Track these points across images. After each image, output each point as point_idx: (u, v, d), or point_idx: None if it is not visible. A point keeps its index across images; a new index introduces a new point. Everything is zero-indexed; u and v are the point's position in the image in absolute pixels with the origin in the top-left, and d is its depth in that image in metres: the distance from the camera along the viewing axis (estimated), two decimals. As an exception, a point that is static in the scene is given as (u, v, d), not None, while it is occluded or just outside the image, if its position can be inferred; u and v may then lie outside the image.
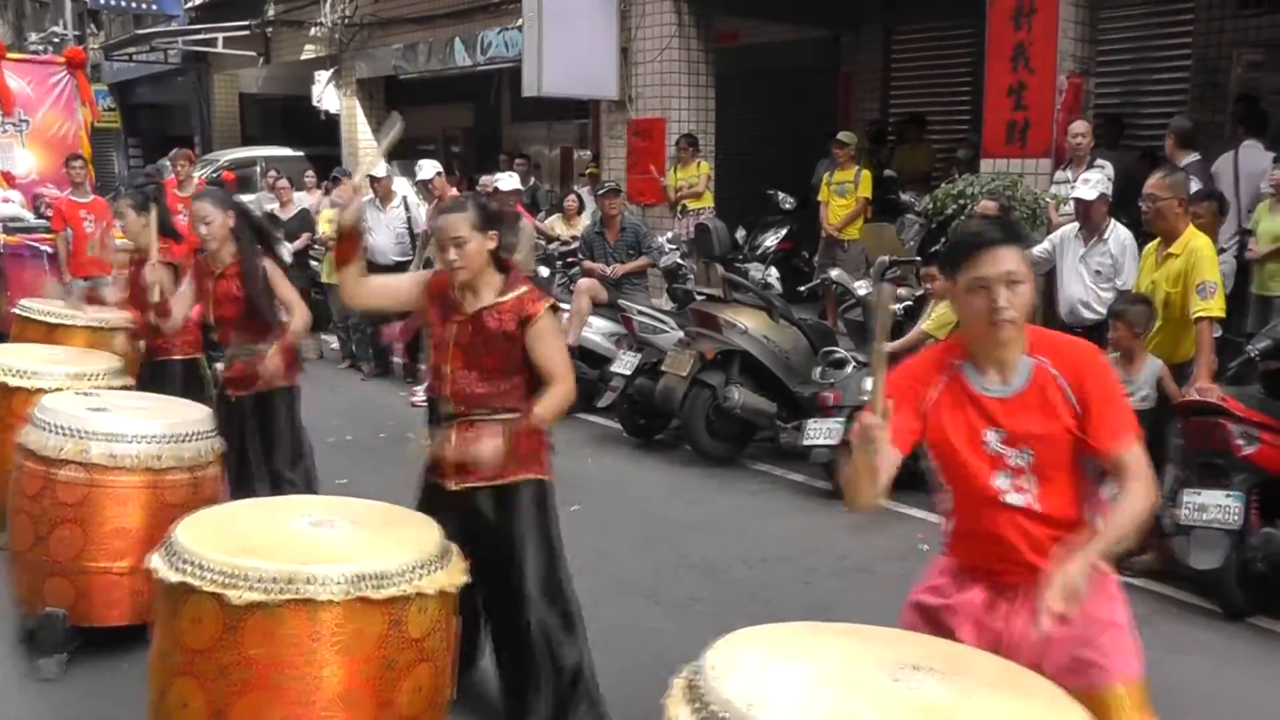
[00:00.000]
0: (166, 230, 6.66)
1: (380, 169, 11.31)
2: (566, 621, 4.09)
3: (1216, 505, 5.50)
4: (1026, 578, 2.80)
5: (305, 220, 12.44)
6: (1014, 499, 2.88)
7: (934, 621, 3.00)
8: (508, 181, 10.57)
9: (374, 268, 11.07)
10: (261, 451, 5.60)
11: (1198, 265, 6.07)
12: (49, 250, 11.55)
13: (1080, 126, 8.85)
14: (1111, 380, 2.96)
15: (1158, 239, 6.39)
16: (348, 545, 3.40)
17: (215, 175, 15.75)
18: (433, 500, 4.09)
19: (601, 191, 10.73)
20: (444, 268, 4.02)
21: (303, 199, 13.15)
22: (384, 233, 11.18)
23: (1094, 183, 7.32)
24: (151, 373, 6.46)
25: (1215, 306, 6.01)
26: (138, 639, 4.38)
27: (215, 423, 5.13)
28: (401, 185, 11.77)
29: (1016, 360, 2.91)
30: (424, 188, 11.60)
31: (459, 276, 4.00)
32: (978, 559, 2.99)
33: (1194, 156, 8.53)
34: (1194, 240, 6.20)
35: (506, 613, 4.09)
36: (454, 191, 8.40)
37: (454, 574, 3.46)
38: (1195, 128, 9.01)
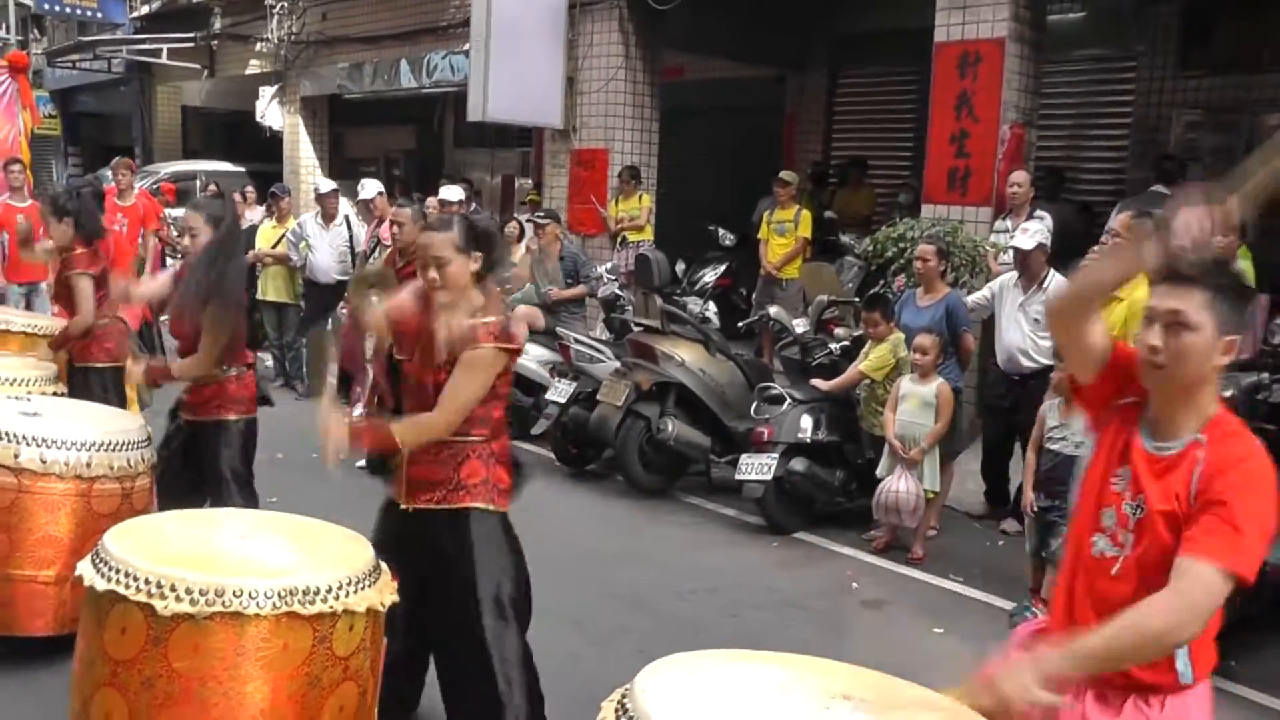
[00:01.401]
0: (89, 233, 6.54)
1: (325, 185, 11.29)
2: (522, 654, 4.02)
3: None
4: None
5: (249, 237, 12.34)
6: (1102, 545, 2.65)
7: None
8: (452, 192, 10.56)
9: (314, 286, 11.09)
10: (207, 481, 5.31)
11: (1138, 315, 6.17)
12: (-16, 255, 11.41)
13: (1020, 176, 9.00)
14: (1246, 493, 2.45)
15: None
16: (278, 560, 3.38)
17: (155, 187, 15.57)
18: (387, 521, 4.06)
19: (538, 218, 10.76)
20: (426, 286, 3.92)
21: (249, 216, 13.04)
22: (326, 251, 11.19)
23: (1033, 232, 7.46)
24: (75, 379, 6.39)
25: None
26: (60, 649, 4.32)
27: (148, 433, 5.08)
28: (343, 205, 11.72)
29: (1184, 427, 2.59)
30: (365, 207, 11.57)
31: (439, 298, 3.90)
32: (1057, 602, 2.79)
33: None
34: (1139, 289, 6.30)
35: (457, 645, 4.02)
36: (396, 210, 8.38)
37: (383, 591, 3.45)
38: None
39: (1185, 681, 2.60)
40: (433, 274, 3.86)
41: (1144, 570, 2.56)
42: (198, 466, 5.34)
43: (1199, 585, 2.40)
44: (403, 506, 3.99)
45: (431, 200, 11.31)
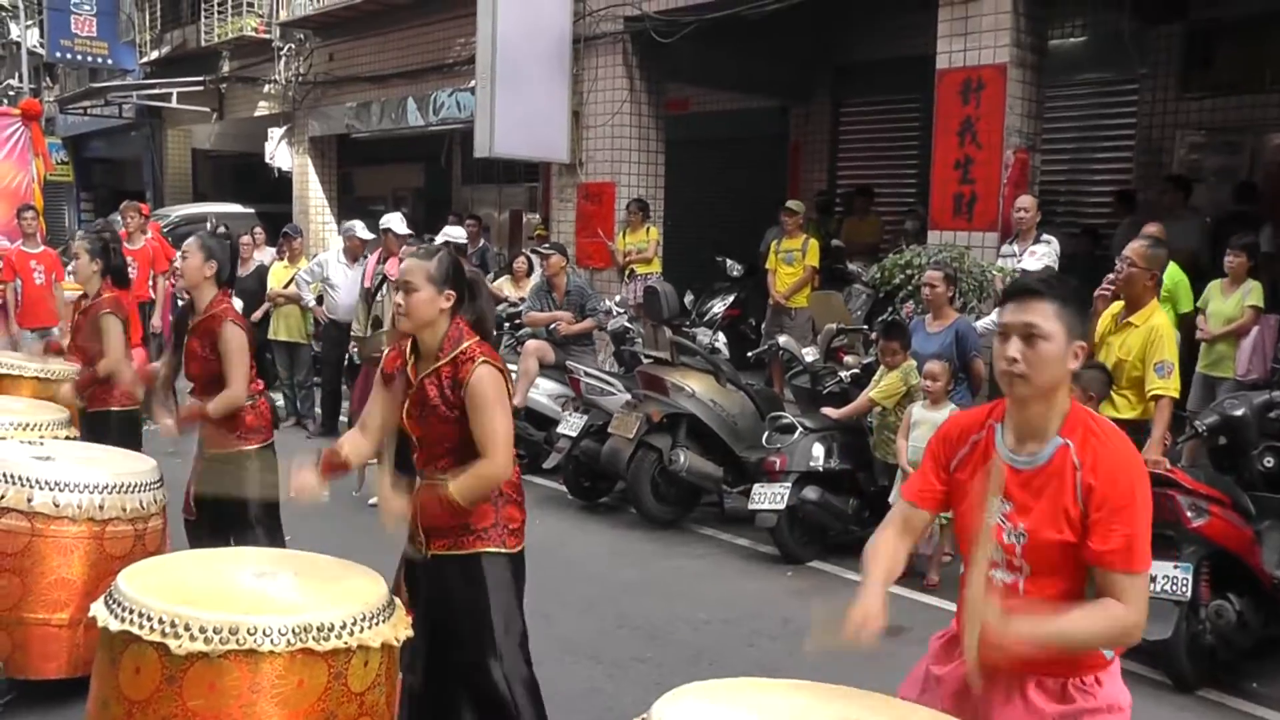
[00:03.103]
0: (117, 279, 6.65)
1: (364, 233, 11.13)
2: (532, 696, 3.99)
3: (1165, 576, 5.50)
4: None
5: (261, 277, 12.41)
6: (1000, 574, 2.79)
7: (928, 689, 2.95)
8: (455, 233, 10.49)
9: (334, 325, 11.04)
10: (231, 509, 5.31)
11: (1157, 344, 6.18)
12: (-2, 301, 11.51)
13: (1026, 201, 9.03)
14: (1135, 491, 2.66)
15: (1121, 302, 6.47)
16: (292, 597, 3.39)
17: (166, 232, 15.65)
18: (410, 566, 4.03)
19: (543, 250, 10.75)
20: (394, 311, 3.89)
21: (260, 256, 13.09)
22: (349, 290, 10.97)
23: (1040, 255, 7.50)
24: (88, 424, 6.42)
25: (1172, 386, 6.16)
26: (74, 692, 4.32)
27: (160, 474, 5.10)
28: (335, 243, 11.61)
29: (1045, 431, 2.75)
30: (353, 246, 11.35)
31: (400, 324, 3.87)
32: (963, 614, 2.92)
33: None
34: (1155, 317, 6.31)
35: (476, 681, 3.98)
36: (404, 251, 8.39)
37: (397, 627, 3.45)
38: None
39: (1108, 658, 2.81)
40: (399, 299, 3.82)
41: (1048, 582, 2.74)
42: (216, 504, 5.34)
43: (1140, 594, 2.64)
44: (423, 554, 3.95)
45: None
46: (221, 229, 14.60)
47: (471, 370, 3.76)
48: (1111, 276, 6.57)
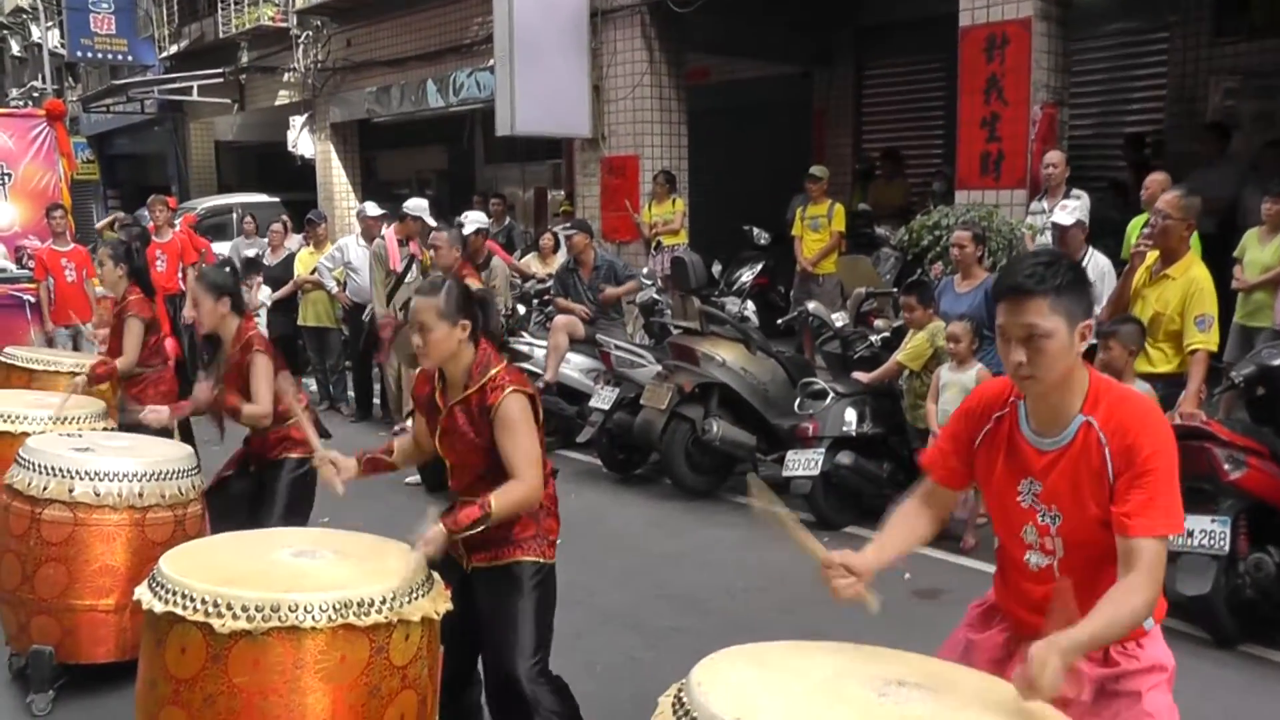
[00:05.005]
0: (143, 286, 6.74)
1: (373, 210, 11.26)
2: (560, 697, 3.98)
3: (1203, 530, 5.42)
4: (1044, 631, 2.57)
5: (289, 264, 12.46)
6: (1035, 559, 2.77)
7: (966, 655, 2.93)
8: (476, 219, 10.49)
9: (358, 308, 11.12)
10: (261, 511, 5.32)
11: (1197, 297, 6.10)
12: (31, 299, 11.63)
13: (1055, 156, 8.92)
14: (1161, 453, 2.61)
15: (1156, 253, 6.38)
16: (331, 573, 3.42)
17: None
18: (450, 576, 4.02)
19: (565, 230, 10.74)
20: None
21: (289, 244, 13.14)
22: (369, 272, 11.10)
23: (1071, 209, 7.42)
24: (127, 425, 6.50)
25: (1212, 340, 6.09)
26: (123, 675, 4.38)
27: (196, 461, 5.14)
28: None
29: (1067, 413, 2.70)
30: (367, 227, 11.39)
31: (423, 363, 3.92)
32: (1005, 600, 2.93)
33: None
34: (1195, 269, 6.21)
35: (504, 687, 3.99)
36: (434, 234, 8.42)
37: (437, 600, 3.48)
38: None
39: (1148, 627, 2.77)
40: (417, 339, 3.83)
41: (1084, 563, 2.70)
42: (254, 507, 5.39)
43: (1155, 560, 2.56)
44: (464, 568, 3.98)
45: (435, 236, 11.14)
46: (249, 220, 14.67)
47: (500, 399, 3.78)
48: (1147, 232, 6.49)
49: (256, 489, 5.37)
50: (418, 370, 4.15)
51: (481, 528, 3.71)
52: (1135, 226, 7.61)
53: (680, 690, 2.47)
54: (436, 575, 3.62)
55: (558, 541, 4.06)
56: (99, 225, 16.13)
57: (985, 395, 2.94)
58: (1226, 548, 5.40)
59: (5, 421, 5.84)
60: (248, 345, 5.28)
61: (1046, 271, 2.64)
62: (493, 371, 3.85)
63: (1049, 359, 2.61)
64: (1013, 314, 2.63)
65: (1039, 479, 2.72)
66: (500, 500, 3.72)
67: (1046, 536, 2.73)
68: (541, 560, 3.95)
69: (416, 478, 8.27)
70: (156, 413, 5.65)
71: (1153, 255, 6.39)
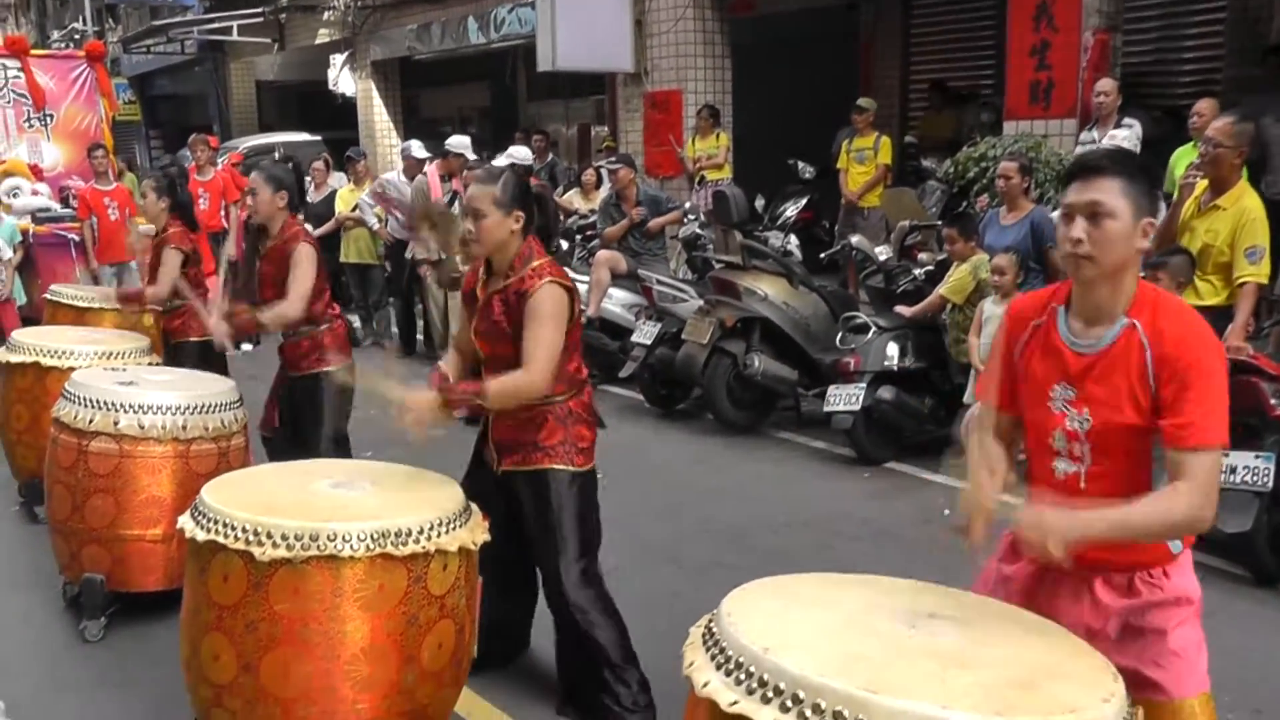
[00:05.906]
0: (186, 220, 6.77)
1: (419, 151, 11.24)
2: (603, 604, 4.03)
3: (1246, 467, 5.30)
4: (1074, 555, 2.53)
5: (331, 201, 12.49)
6: (1063, 466, 2.72)
7: (999, 588, 2.89)
8: (521, 153, 10.49)
9: (401, 245, 11.15)
10: (307, 429, 5.51)
11: (1249, 227, 5.93)
12: (76, 238, 11.74)
13: (1107, 84, 8.68)
14: (1209, 367, 2.55)
15: (1205, 184, 6.22)
16: (370, 504, 3.45)
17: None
18: (475, 480, 4.08)
19: (609, 164, 10.68)
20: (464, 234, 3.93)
21: (331, 182, 13.16)
22: None
23: (1121, 139, 7.28)
24: (170, 355, 6.58)
25: (1262, 272, 5.94)
26: (172, 603, 4.45)
27: (239, 394, 5.19)
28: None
29: (1111, 313, 2.64)
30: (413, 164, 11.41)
31: (473, 250, 3.93)
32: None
33: None
34: (1246, 198, 6.04)
35: (548, 594, 4.09)
36: (467, 173, 8.42)
37: (475, 531, 3.50)
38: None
39: (1175, 552, 2.72)
40: (469, 225, 3.85)
41: (1112, 472, 2.66)
42: (295, 423, 5.54)
43: (1209, 474, 2.50)
44: (496, 470, 4.02)
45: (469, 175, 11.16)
46: (287, 157, 14.71)
47: (538, 286, 3.79)
48: (1197, 161, 6.34)
49: (304, 401, 5.50)
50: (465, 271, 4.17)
51: (473, 404, 3.84)
52: (1179, 159, 7.43)
53: (711, 621, 2.48)
54: (475, 506, 3.64)
55: (592, 450, 4.05)
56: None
57: (1024, 306, 2.90)
58: (1270, 484, 5.29)
59: (54, 357, 5.95)
60: (294, 236, 5.43)
61: (1122, 155, 2.72)
62: (535, 263, 3.87)
63: (1109, 239, 2.58)
64: (1082, 191, 2.61)
65: (1074, 384, 2.67)
66: (498, 386, 3.76)
67: (1075, 442, 2.68)
68: (573, 468, 3.95)
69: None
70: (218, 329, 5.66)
71: (1202, 185, 6.24)
